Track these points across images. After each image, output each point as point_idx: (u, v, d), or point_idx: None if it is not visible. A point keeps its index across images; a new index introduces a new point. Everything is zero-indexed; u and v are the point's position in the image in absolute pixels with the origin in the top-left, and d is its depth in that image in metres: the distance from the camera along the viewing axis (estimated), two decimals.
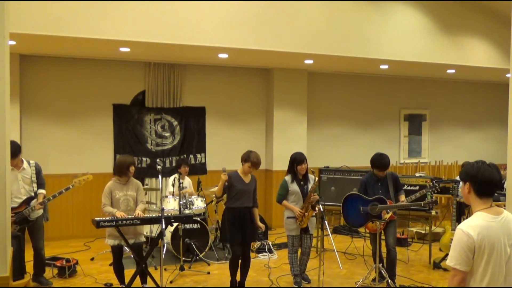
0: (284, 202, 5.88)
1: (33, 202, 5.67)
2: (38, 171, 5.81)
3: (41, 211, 5.82)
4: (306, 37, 7.59)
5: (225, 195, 5.77)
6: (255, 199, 5.73)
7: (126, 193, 5.50)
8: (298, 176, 5.89)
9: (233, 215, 5.56)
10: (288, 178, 5.91)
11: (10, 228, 5.38)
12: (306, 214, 5.73)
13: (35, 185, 5.74)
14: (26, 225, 5.68)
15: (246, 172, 5.60)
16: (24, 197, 5.64)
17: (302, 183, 5.88)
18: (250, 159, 5.50)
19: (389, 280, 5.77)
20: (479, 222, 2.60)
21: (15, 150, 5.48)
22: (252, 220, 5.65)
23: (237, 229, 5.53)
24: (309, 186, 5.86)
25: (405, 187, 6.83)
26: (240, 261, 5.66)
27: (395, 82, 10.70)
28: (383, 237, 5.94)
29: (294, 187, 5.85)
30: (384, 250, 6.00)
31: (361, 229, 7.13)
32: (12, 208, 5.46)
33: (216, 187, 7.63)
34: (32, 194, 5.71)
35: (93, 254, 7.29)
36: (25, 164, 5.73)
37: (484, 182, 2.63)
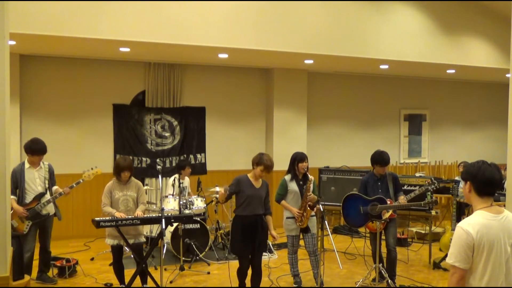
0: (283, 202, 5.85)
1: (44, 198, 5.80)
2: (52, 172, 6.02)
3: (52, 210, 5.98)
4: (306, 37, 7.59)
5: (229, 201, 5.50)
6: (268, 206, 5.35)
7: (125, 193, 5.50)
8: (298, 175, 5.87)
9: (242, 224, 5.15)
10: (287, 177, 5.89)
11: (22, 225, 5.59)
12: (305, 214, 5.70)
13: (47, 182, 5.92)
14: (38, 220, 5.79)
15: (257, 177, 5.22)
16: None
17: (301, 183, 5.85)
18: (263, 161, 5.11)
19: (389, 280, 5.78)
20: (479, 220, 2.61)
21: (43, 149, 5.81)
22: (263, 228, 5.27)
23: (247, 240, 5.13)
24: None
25: (405, 187, 6.83)
26: (250, 272, 5.33)
27: (395, 82, 10.70)
28: (383, 237, 5.94)
29: (293, 186, 5.83)
30: (384, 250, 6.01)
31: (361, 229, 7.14)
32: (24, 205, 5.69)
33: (216, 187, 7.67)
34: (44, 191, 5.87)
35: (93, 254, 7.29)
36: (41, 163, 5.92)
37: (485, 181, 2.65)
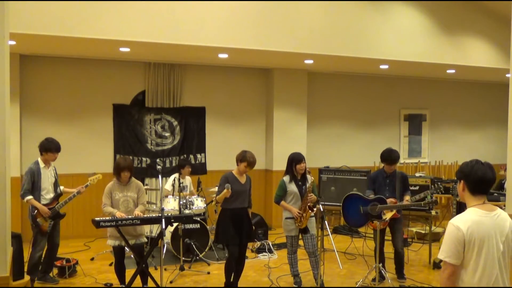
0: (282, 202, 5.86)
1: (61, 198, 5.94)
2: (56, 171, 6.15)
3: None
4: (306, 37, 7.59)
5: None
6: (250, 199, 5.76)
7: (126, 194, 5.50)
8: (296, 176, 5.87)
9: (230, 216, 5.52)
10: (286, 178, 5.88)
11: (46, 224, 5.73)
12: (304, 215, 5.71)
13: (56, 182, 6.05)
14: (58, 219, 5.99)
15: (241, 172, 5.60)
16: (53, 194, 5.93)
17: (300, 183, 5.85)
18: (246, 158, 5.50)
19: (398, 279, 5.92)
20: (470, 216, 2.68)
21: (58, 147, 5.94)
22: (249, 220, 5.68)
23: (235, 230, 5.51)
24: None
25: None
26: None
27: (395, 82, 10.70)
28: (386, 237, 5.97)
29: (292, 187, 5.83)
30: (391, 250, 6.08)
31: (361, 229, 7.14)
32: (45, 205, 5.80)
33: (216, 187, 7.66)
34: (58, 191, 6.03)
35: (93, 254, 7.29)
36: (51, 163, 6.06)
37: (477, 180, 2.71)
